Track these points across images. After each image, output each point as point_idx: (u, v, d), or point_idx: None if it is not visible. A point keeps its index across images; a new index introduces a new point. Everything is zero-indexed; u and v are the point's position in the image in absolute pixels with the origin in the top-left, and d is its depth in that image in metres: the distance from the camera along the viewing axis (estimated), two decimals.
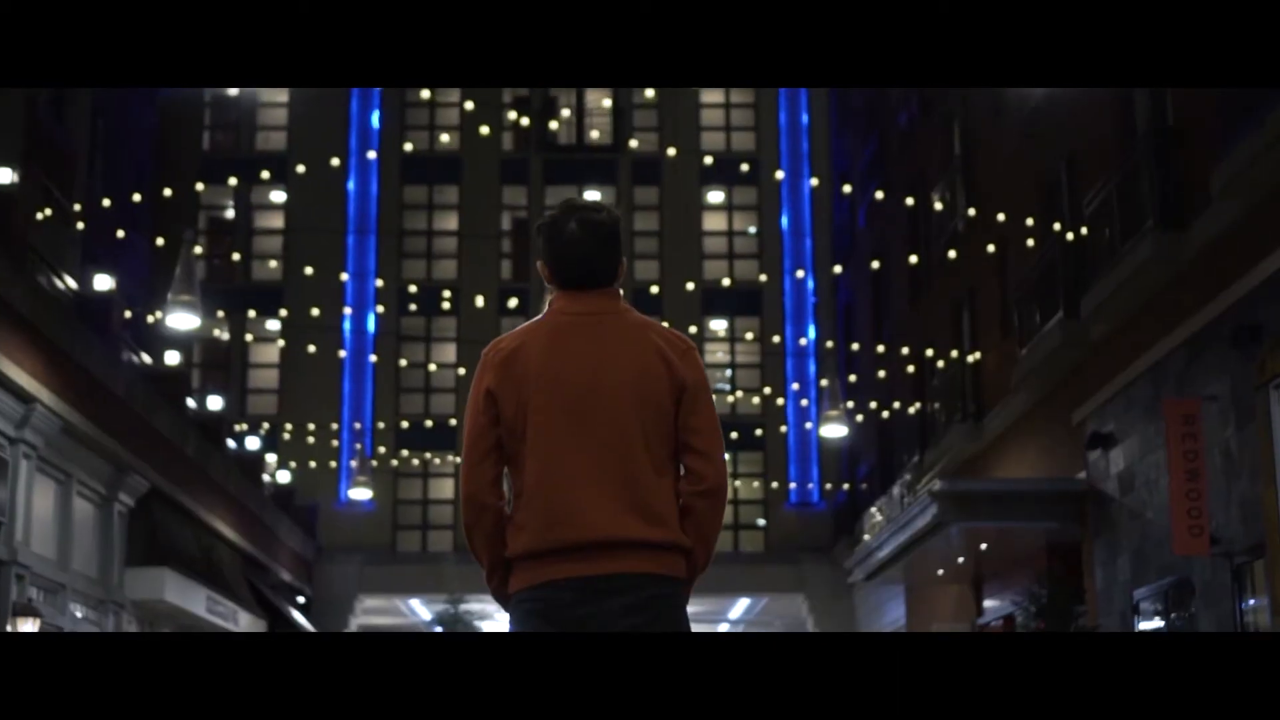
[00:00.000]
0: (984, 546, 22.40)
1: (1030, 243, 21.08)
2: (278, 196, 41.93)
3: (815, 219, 42.07)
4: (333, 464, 37.95)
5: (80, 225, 24.78)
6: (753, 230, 42.52)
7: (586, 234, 4.12)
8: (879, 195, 25.73)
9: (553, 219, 4.17)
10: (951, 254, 22.95)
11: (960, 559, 23.75)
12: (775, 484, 40.13)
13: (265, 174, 34.83)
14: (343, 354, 37.49)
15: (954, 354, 25.72)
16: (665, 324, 4.27)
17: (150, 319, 24.17)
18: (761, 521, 41.09)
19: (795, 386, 39.77)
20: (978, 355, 25.25)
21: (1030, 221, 21.30)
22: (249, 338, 39.38)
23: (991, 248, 22.50)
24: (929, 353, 26.38)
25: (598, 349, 4.05)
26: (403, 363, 38.11)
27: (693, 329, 36.22)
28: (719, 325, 41.71)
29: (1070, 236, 19.64)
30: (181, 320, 19.07)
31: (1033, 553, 21.84)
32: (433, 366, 37.96)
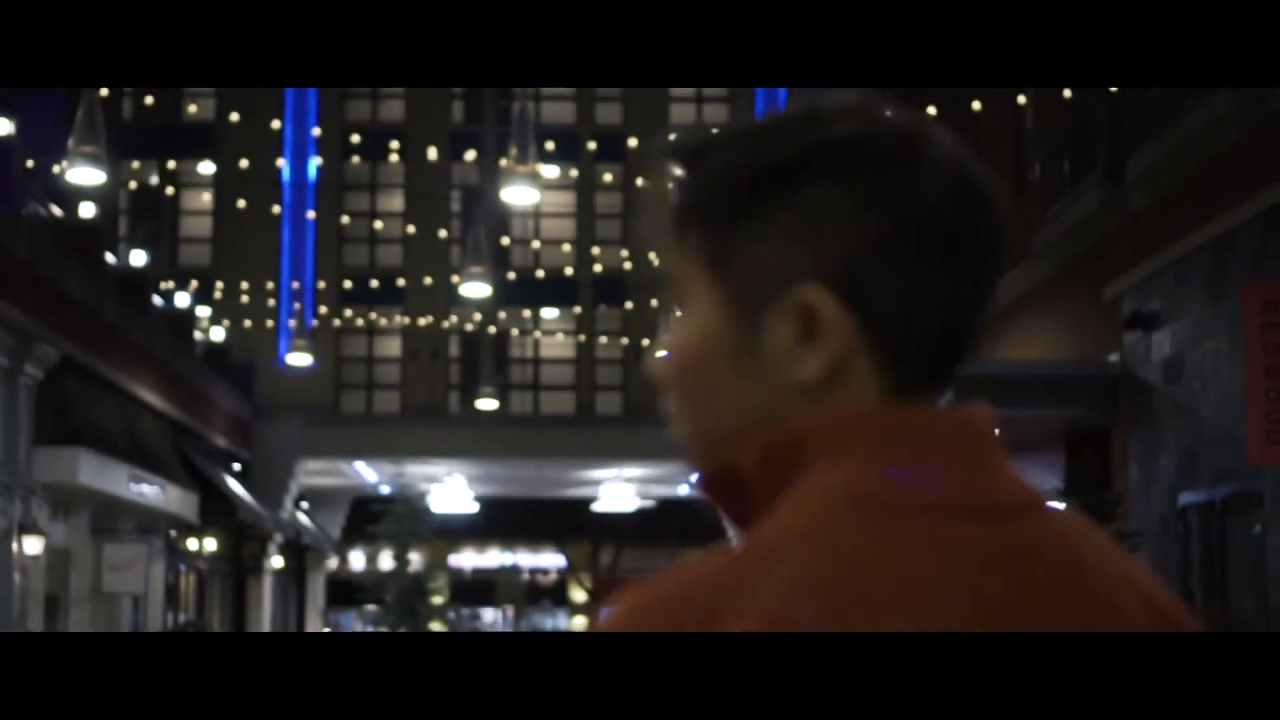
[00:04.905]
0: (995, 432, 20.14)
1: (1066, 93, 18.53)
2: None
3: None
4: (270, 323, 35.27)
5: None
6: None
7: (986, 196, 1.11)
8: None
9: (871, 138, 1.06)
10: (976, 105, 20.36)
11: None
12: None
13: None
14: (277, 209, 34.43)
15: None
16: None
17: (56, 169, 21.36)
18: None
19: None
20: None
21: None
22: (169, 191, 36.16)
23: (1022, 99, 19.93)
24: None
25: None
26: (345, 219, 35.13)
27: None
28: None
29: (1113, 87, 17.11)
30: (85, 175, 16.34)
31: (1049, 440, 19.60)
32: (378, 224, 34.71)
